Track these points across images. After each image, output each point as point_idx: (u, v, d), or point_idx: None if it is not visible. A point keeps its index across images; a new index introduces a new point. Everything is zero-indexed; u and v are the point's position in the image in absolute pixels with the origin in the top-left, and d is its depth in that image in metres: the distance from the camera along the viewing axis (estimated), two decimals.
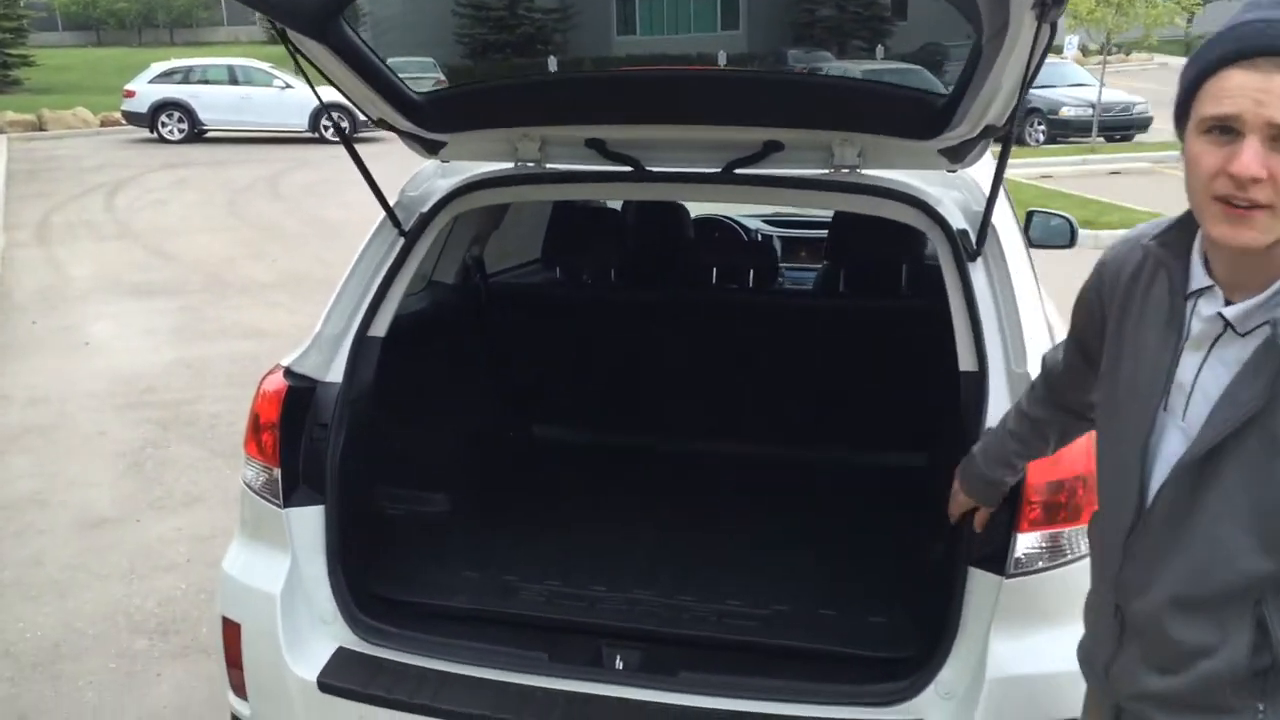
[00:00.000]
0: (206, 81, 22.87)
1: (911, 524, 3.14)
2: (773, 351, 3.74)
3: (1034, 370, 2.49)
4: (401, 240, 2.97)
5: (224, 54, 28.40)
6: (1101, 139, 20.16)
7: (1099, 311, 1.74)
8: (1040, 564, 2.36)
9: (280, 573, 2.72)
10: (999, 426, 2.23)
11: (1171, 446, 1.54)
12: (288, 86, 22.35)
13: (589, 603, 2.82)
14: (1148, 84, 26.79)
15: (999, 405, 2.48)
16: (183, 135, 22.26)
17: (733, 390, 3.85)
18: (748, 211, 5.54)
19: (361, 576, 2.80)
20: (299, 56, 2.56)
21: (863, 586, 2.89)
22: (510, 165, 2.99)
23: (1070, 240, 4.56)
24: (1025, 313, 2.56)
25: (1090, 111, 20.17)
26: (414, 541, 3.17)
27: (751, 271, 3.91)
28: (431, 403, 3.52)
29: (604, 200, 4.10)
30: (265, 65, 23.79)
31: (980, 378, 2.51)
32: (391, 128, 2.91)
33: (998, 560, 2.35)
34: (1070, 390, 2.00)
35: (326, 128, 21.79)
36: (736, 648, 2.64)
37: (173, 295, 9.91)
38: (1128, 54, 33.18)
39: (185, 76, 22.84)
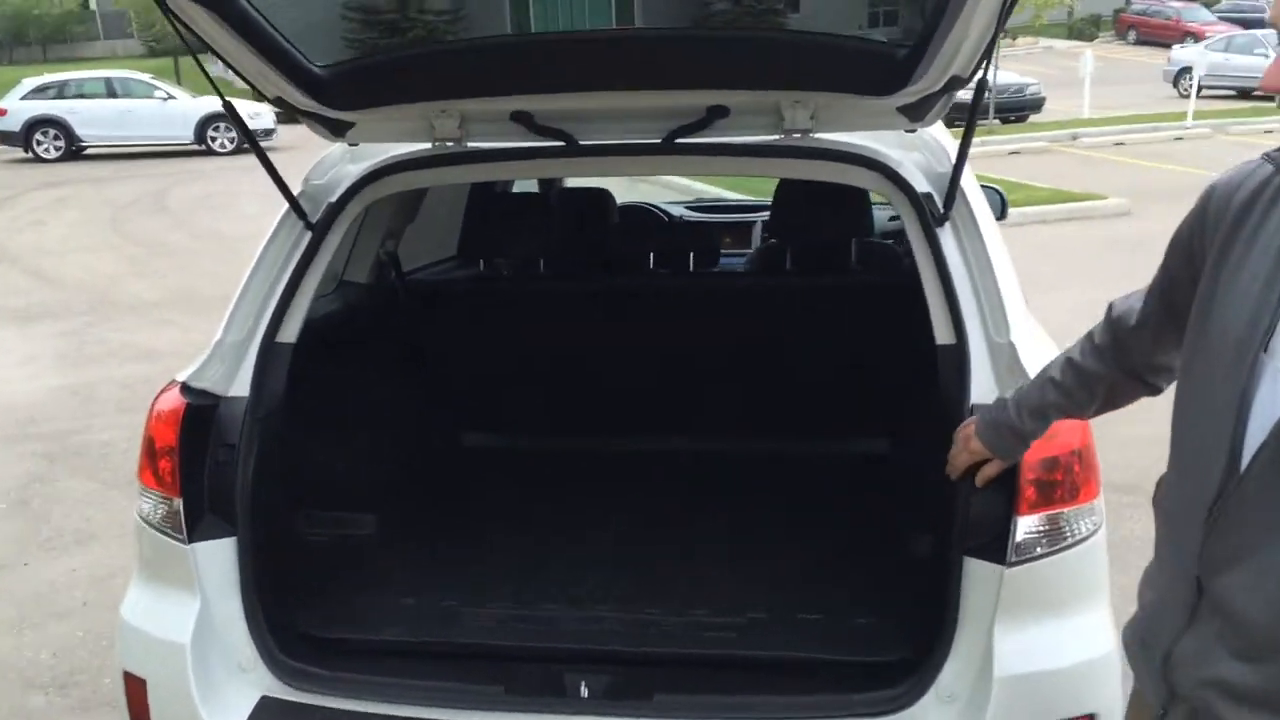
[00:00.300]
0: (83, 95, 21.82)
1: (887, 514, 2.94)
2: (720, 338, 3.50)
3: (1018, 338, 2.30)
4: (308, 234, 2.65)
5: (101, 69, 27.13)
6: (998, 120, 20.50)
7: (1198, 247, 1.51)
8: (1040, 549, 2.17)
9: (188, 617, 2.39)
10: (1040, 374, 1.98)
11: (1273, 398, 1.33)
12: (170, 97, 21.49)
13: (545, 624, 2.55)
14: (1035, 66, 27.50)
15: (982, 378, 2.29)
16: (60, 153, 21.19)
17: (680, 382, 3.61)
18: (669, 199, 5.32)
19: (284, 614, 2.48)
20: (180, 31, 2.22)
21: (843, 586, 2.68)
22: (427, 145, 2.69)
23: (1001, 213, 4.43)
24: (1002, 277, 2.37)
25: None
26: (342, 570, 2.85)
27: (691, 255, 3.67)
28: (351, 414, 3.20)
29: (534, 180, 3.80)
30: (145, 76, 22.80)
31: (959, 350, 2.31)
32: (291, 108, 2.59)
33: (996, 548, 2.15)
34: (1139, 347, 1.77)
35: (214, 138, 20.96)
36: (713, 663, 2.40)
37: (54, 319, 9.28)
38: (1015, 39, 34.00)
39: (60, 91, 21.76)
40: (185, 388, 2.50)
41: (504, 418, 3.77)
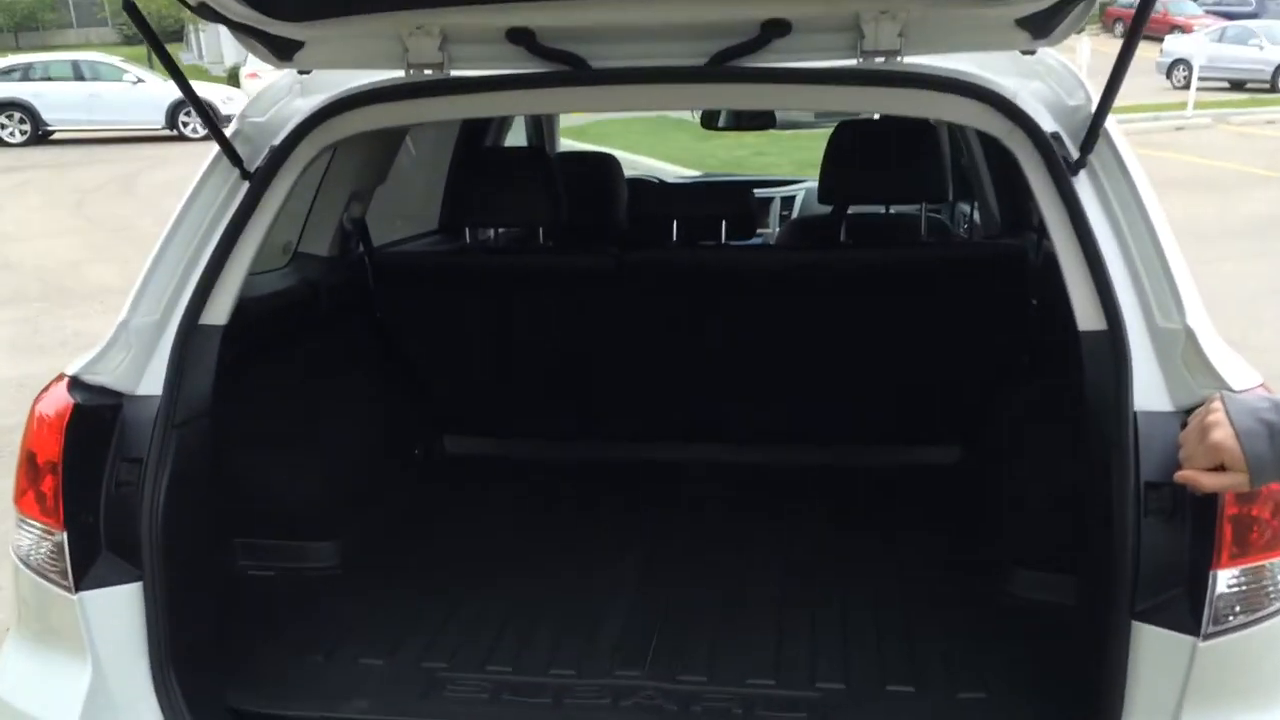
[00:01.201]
0: (49, 78, 21.04)
1: (983, 545, 2.35)
2: (758, 325, 2.90)
3: (1196, 322, 1.70)
4: (245, 185, 2.04)
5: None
6: None
7: None
8: (1236, 615, 1.58)
9: (76, 692, 1.79)
10: None
11: None
12: (140, 81, 20.72)
13: (554, 698, 1.94)
14: None
15: (1147, 375, 1.69)
16: (25, 138, 20.39)
17: (708, 379, 3.00)
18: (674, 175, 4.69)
19: (208, 685, 1.89)
20: None
21: (936, 643, 2.07)
22: (400, 73, 2.08)
23: None
24: (1166, 242, 1.78)
25: None
26: (290, 620, 2.24)
27: (723, 224, 3.05)
28: (303, 417, 2.59)
29: (529, 115, 3.12)
30: (115, 59, 22.00)
31: (1113, 339, 1.72)
32: (220, 18, 1.96)
33: (1184, 611, 1.55)
34: None
35: (186, 123, 20.23)
36: None
37: (5, 305, 8.65)
38: None
39: (25, 74, 20.99)
40: (75, 383, 1.89)
41: (496, 420, 3.15)
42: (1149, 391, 1.68)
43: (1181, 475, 1.52)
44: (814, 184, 5.42)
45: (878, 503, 2.75)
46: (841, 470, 2.94)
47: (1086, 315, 1.78)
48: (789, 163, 9.99)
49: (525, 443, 3.13)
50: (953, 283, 2.79)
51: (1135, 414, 1.66)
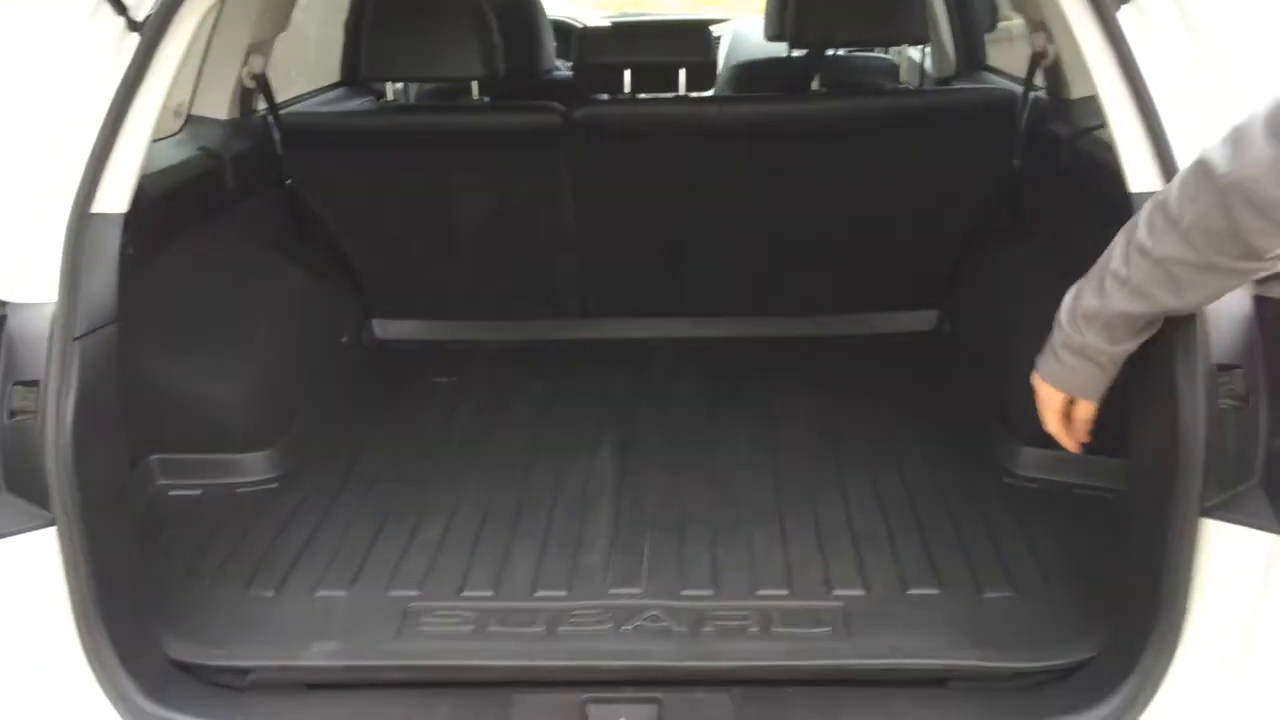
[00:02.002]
0: None
1: (986, 423, 2.20)
2: (723, 187, 2.61)
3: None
4: (135, 38, 1.65)
5: None
6: None
7: None
8: None
9: None
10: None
11: None
12: None
13: (547, 625, 1.72)
14: None
15: None
16: None
17: (670, 247, 2.72)
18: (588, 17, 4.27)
19: (142, 634, 1.62)
20: None
21: (953, 540, 1.91)
22: None
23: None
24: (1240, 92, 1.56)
25: None
26: (226, 549, 1.96)
27: (681, 74, 2.72)
28: (216, 311, 2.26)
29: None
30: None
31: None
32: None
33: (1265, 504, 1.41)
34: None
35: None
36: (804, 679, 1.62)
37: None
38: None
39: None
40: None
41: (432, 301, 2.82)
42: None
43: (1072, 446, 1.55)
44: (741, 25, 5.08)
45: (858, 377, 2.56)
46: (816, 341, 2.74)
47: (1139, 174, 1.57)
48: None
49: (466, 325, 2.83)
50: (939, 133, 2.55)
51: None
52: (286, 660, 1.66)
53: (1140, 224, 1.33)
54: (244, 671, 1.65)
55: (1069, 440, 1.55)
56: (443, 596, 1.80)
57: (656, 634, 1.70)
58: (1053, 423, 1.54)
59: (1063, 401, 1.52)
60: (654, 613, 1.74)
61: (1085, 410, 1.52)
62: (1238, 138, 1.17)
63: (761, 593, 1.79)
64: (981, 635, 1.66)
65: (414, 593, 1.81)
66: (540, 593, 1.81)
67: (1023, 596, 1.76)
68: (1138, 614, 1.51)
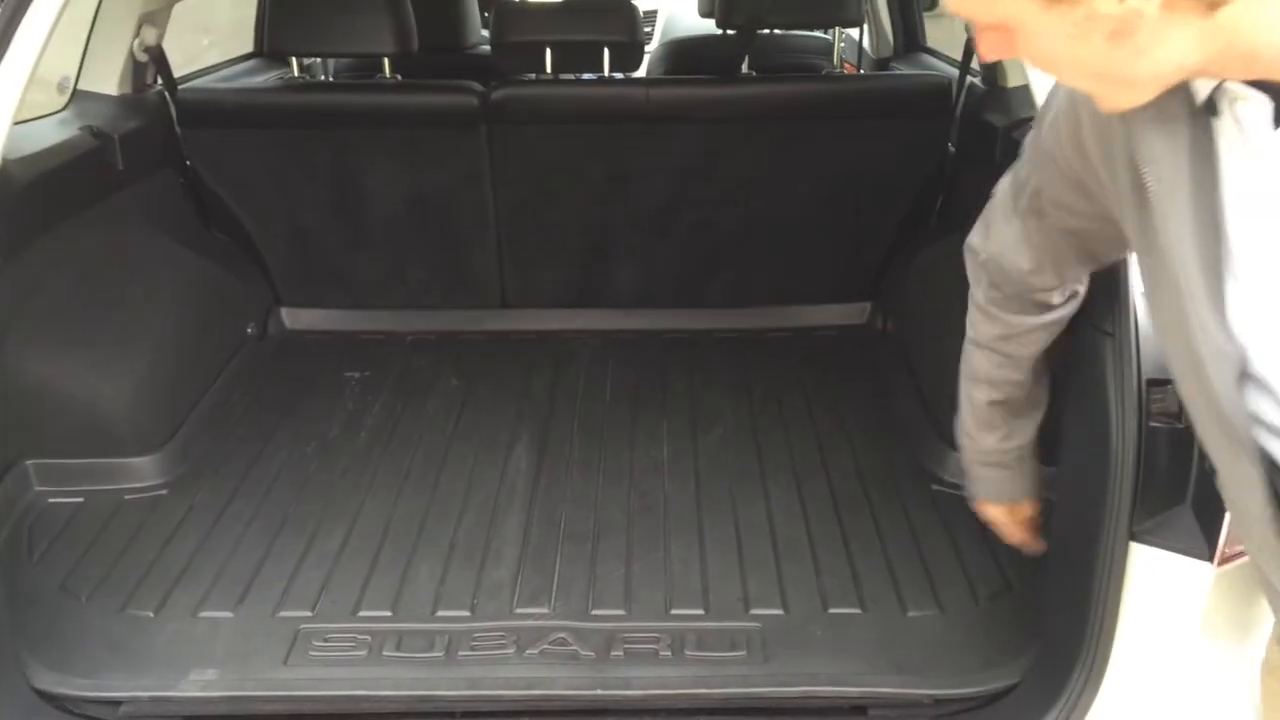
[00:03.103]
0: None
1: (916, 427, 2.12)
2: (647, 173, 2.50)
3: None
4: None
5: None
6: None
7: None
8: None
9: None
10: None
11: None
12: None
13: (446, 650, 1.61)
14: None
15: None
16: None
17: (591, 234, 2.60)
18: None
19: (2, 665, 1.49)
20: None
21: (878, 554, 1.83)
22: None
23: None
24: None
25: None
26: (104, 563, 1.82)
27: (605, 52, 2.59)
28: (104, 302, 2.11)
29: None
30: None
31: None
32: None
33: (1197, 531, 1.34)
34: None
35: None
36: (716, 708, 1.53)
37: None
38: None
39: None
40: None
41: (341, 290, 2.68)
42: None
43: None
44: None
45: (787, 374, 2.47)
46: (745, 334, 2.64)
47: None
48: None
49: (380, 314, 2.69)
50: (873, 120, 2.46)
51: (1135, 298, 1.40)
52: (161, 691, 1.53)
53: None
54: (115, 703, 1.53)
55: (1039, 543, 1.53)
56: (337, 618, 1.69)
57: (563, 659, 1.60)
58: (1016, 535, 1.53)
59: (1008, 512, 1.51)
60: (561, 635, 1.64)
61: (1029, 508, 1.51)
62: (986, 220, 1.31)
63: (676, 612, 1.70)
64: (903, 659, 1.59)
65: (306, 613, 1.69)
66: (441, 612, 1.70)
67: (948, 616, 1.69)
68: (1064, 641, 1.45)
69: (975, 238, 1.34)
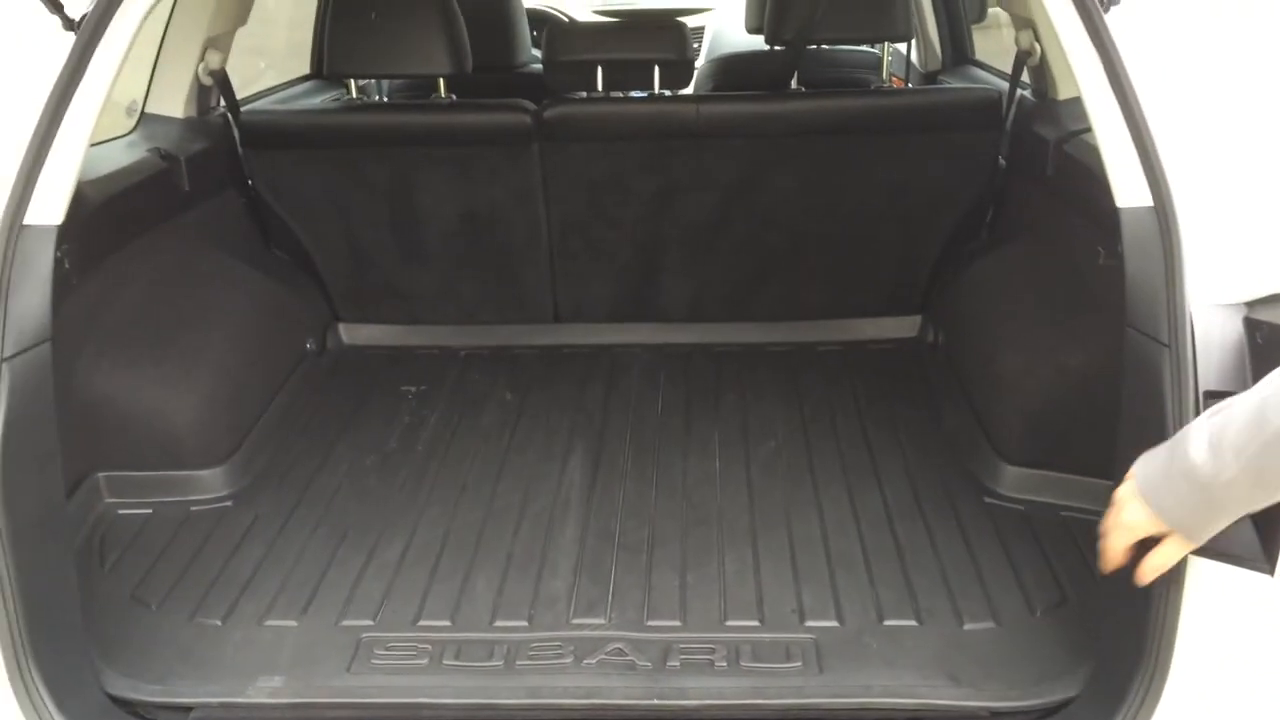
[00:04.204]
0: None
1: (970, 440, 2.12)
2: (700, 189, 2.52)
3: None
4: (70, 38, 1.58)
5: None
6: None
7: None
8: None
9: None
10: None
11: None
12: None
13: (505, 659, 1.64)
14: None
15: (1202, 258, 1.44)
16: None
17: (643, 250, 2.63)
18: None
19: (77, 668, 1.55)
20: None
21: (933, 567, 1.84)
22: None
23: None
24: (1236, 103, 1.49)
25: None
26: (173, 573, 1.87)
27: (656, 71, 2.62)
28: (170, 321, 2.17)
29: None
30: None
31: (1161, 216, 1.45)
32: None
33: (1256, 544, 1.33)
34: None
35: None
36: (772, 719, 1.54)
37: None
38: None
39: None
40: None
41: (399, 306, 2.73)
42: (1206, 280, 1.43)
43: (1102, 560, 1.31)
44: (726, 16, 4.96)
45: (838, 387, 2.48)
46: (796, 348, 2.65)
47: (1127, 188, 1.50)
48: None
49: (436, 329, 2.74)
50: (924, 134, 2.47)
51: (1190, 308, 1.40)
52: (229, 698, 1.58)
53: None
54: (185, 709, 1.58)
55: (1117, 562, 1.31)
56: (397, 627, 1.73)
57: (620, 669, 1.62)
58: (1120, 546, 1.28)
59: (1149, 527, 1.26)
60: (618, 645, 1.67)
61: (1174, 553, 1.27)
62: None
63: (731, 623, 1.72)
64: (959, 671, 1.59)
65: (368, 622, 1.74)
66: (499, 622, 1.73)
67: (1004, 628, 1.69)
68: (1122, 653, 1.44)
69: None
